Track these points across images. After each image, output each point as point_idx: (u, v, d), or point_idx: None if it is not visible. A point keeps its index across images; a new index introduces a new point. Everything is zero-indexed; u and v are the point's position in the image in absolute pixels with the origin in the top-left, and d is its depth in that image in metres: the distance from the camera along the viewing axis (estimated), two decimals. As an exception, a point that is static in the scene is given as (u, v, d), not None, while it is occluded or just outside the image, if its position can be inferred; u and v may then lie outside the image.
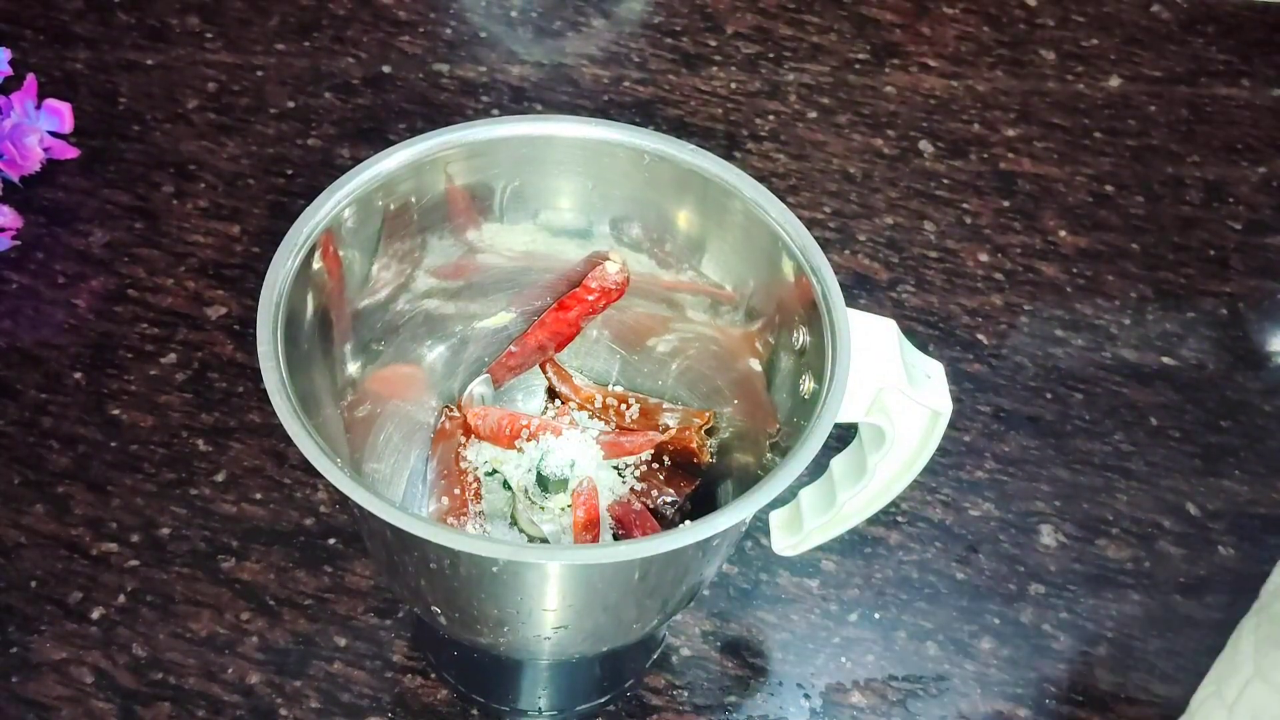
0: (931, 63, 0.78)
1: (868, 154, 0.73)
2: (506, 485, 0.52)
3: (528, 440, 0.53)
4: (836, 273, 0.47)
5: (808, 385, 0.46)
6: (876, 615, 0.57)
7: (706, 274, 0.51)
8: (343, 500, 0.45)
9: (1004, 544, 0.60)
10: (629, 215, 0.51)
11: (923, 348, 0.47)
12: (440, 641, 0.53)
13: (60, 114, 0.68)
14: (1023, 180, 0.73)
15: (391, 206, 0.49)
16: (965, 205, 0.72)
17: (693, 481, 0.53)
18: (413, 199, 0.49)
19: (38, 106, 0.67)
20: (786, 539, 0.54)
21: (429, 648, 0.54)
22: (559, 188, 0.51)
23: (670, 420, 0.53)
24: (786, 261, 0.48)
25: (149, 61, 0.74)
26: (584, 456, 0.52)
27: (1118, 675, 0.56)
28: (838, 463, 0.51)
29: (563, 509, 0.51)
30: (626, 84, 0.75)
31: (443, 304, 0.52)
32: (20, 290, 0.64)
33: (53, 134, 0.68)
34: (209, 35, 0.76)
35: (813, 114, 0.75)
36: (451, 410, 0.54)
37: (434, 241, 0.51)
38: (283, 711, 0.52)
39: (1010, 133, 0.75)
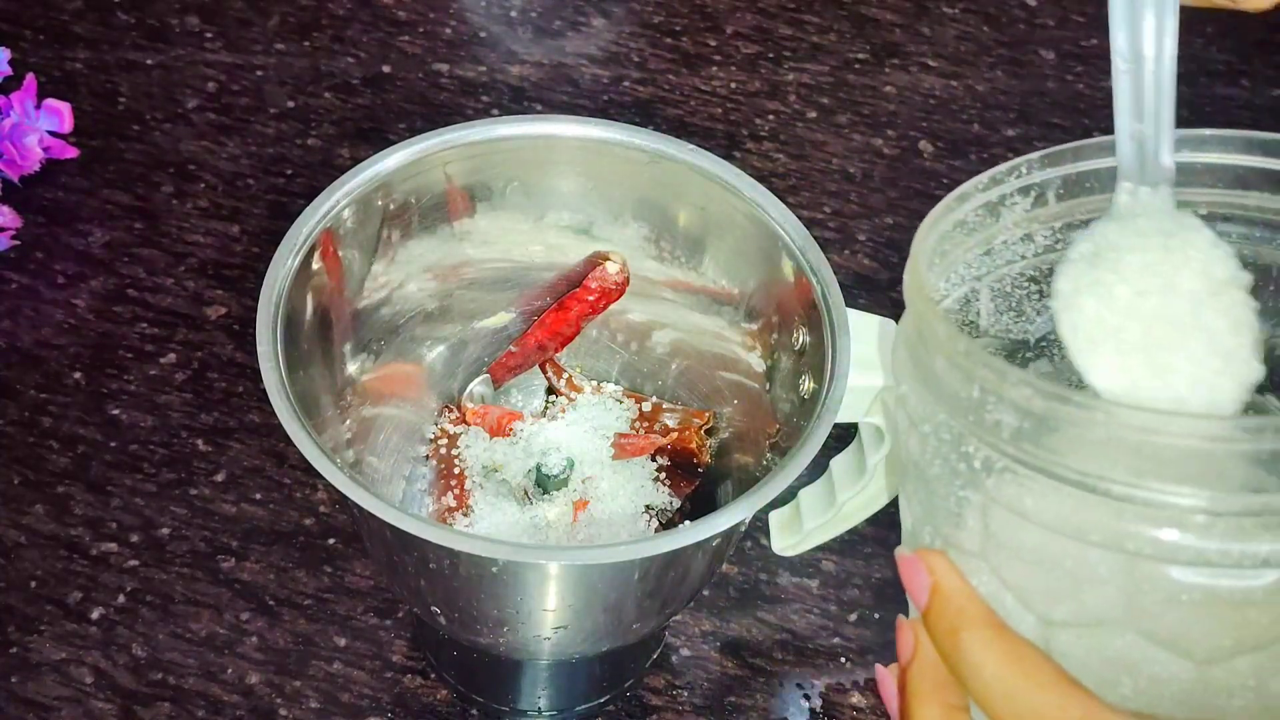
0: (931, 63, 0.78)
1: (868, 154, 0.73)
2: (507, 485, 0.52)
3: (531, 424, 0.53)
4: (836, 273, 0.47)
5: (808, 385, 0.46)
6: (876, 615, 0.57)
7: (706, 274, 0.51)
8: (343, 500, 0.45)
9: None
10: (629, 215, 0.51)
11: (923, 348, 0.47)
12: (440, 641, 0.53)
13: (60, 114, 0.68)
14: (1022, 180, 0.73)
15: (391, 206, 0.49)
16: (965, 205, 0.72)
17: (692, 482, 0.53)
18: (413, 199, 0.49)
19: (37, 106, 0.67)
20: (786, 539, 0.54)
21: (429, 648, 0.54)
22: (559, 188, 0.51)
23: (670, 420, 0.53)
24: (786, 261, 0.48)
25: (149, 61, 0.74)
26: (585, 455, 0.52)
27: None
28: (838, 463, 0.51)
29: (560, 509, 0.52)
30: (626, 84, 0.75)
31: (443, 304, 0.52)
32: (20, 290, 0.64)
33: (52, 134, 0.68)
34: (209, 35, 0.76)
35: (812, 114, 0.75)
36: (451, 410, 0.54)
37: (434, 242, 0.51)
38: (282, 711, 0.52)
39: (1010, 133, 0.75)
